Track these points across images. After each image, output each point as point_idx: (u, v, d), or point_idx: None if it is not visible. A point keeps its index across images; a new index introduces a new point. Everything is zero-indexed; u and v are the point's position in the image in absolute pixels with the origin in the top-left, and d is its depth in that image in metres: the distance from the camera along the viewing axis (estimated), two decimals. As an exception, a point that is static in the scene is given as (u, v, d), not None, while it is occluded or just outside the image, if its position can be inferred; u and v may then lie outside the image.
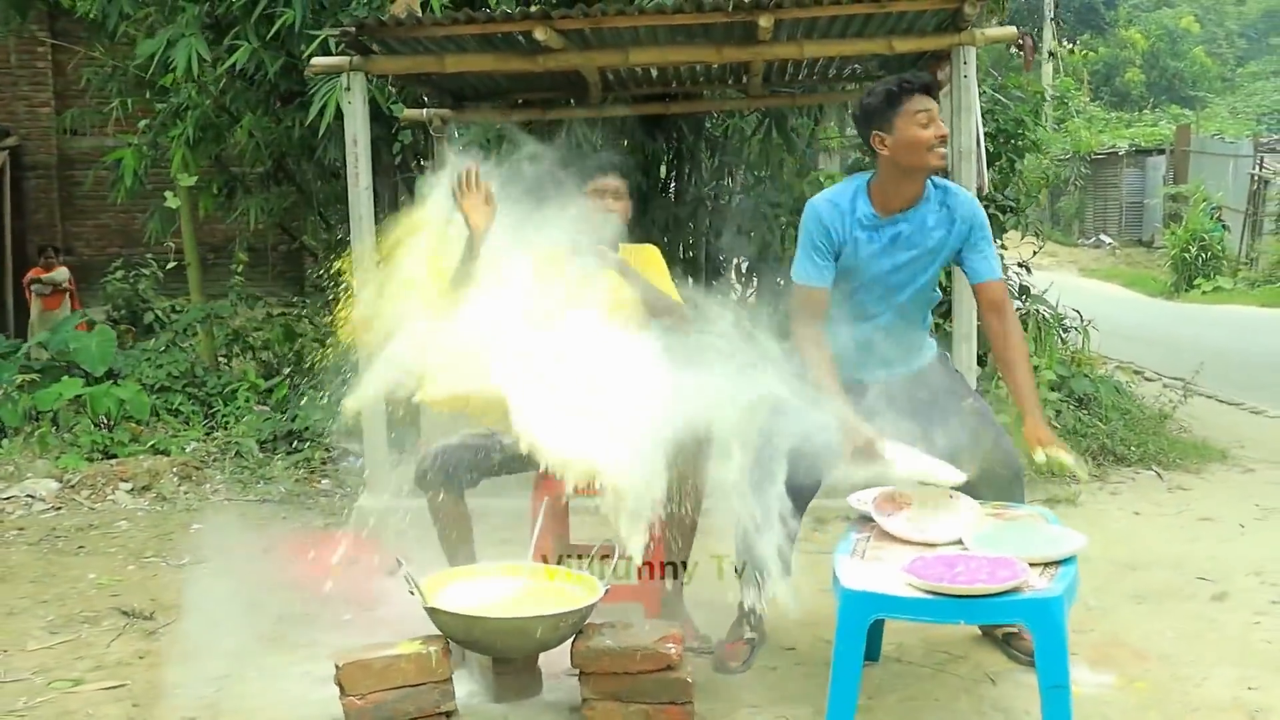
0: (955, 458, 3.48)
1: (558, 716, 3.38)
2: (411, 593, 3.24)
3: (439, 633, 3.26)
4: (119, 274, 11.17)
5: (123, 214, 12.77)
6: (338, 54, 5.56)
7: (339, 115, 6.47)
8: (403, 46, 5.44)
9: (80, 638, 4.16)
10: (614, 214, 4.10)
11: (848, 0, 4.97)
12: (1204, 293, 18.24)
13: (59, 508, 5.91)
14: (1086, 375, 7.15)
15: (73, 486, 6.15)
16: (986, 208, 7.69)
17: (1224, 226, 20.64)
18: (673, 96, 7.05)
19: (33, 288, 12.09)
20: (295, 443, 6.99)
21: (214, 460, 6.70)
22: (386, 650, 3.19)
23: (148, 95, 8.51)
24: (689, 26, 5.21)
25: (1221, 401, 8.55)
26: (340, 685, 3.16)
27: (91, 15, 8.12)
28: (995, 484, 3.55)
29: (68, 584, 4.74)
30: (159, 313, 9.93)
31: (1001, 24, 9.09)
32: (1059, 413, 6.67)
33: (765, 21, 5.01)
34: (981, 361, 6.17)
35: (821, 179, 7.51)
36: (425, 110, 6.72)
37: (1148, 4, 46.51)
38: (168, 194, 8.71)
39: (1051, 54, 32.29)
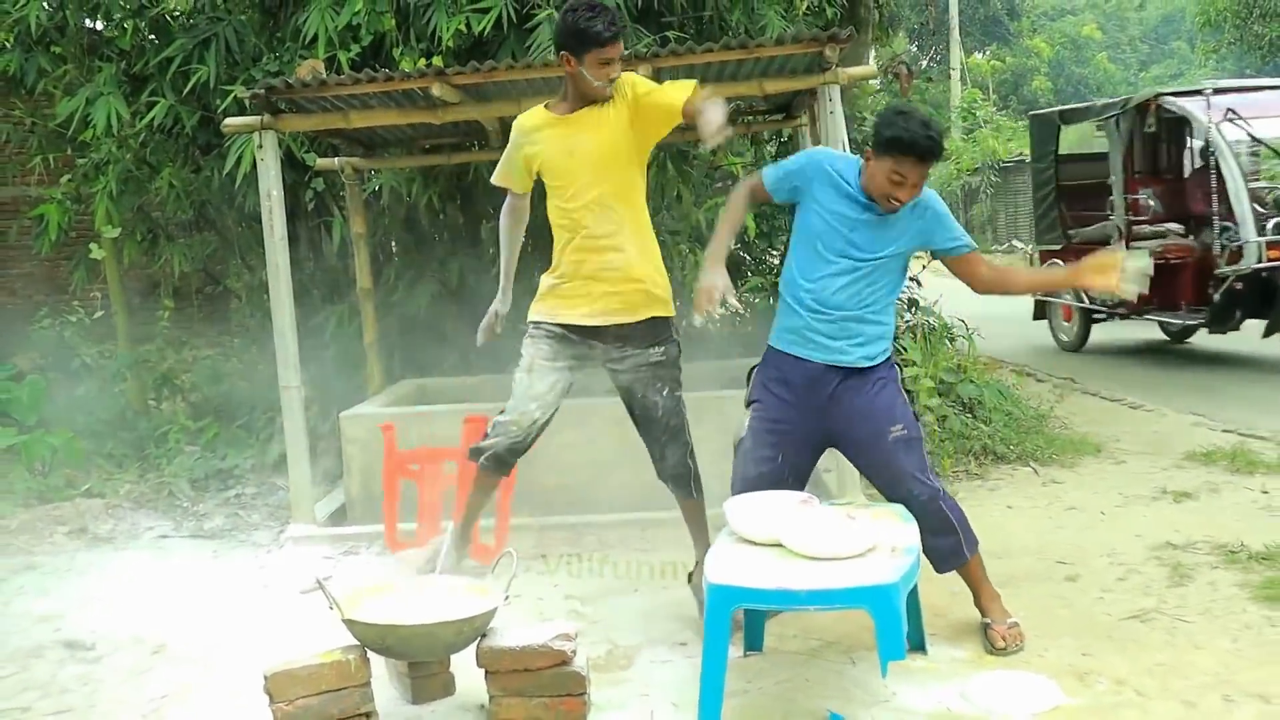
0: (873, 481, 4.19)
1: (468, 714, 3.77)
2: (330, 607, 3.60)
3: (357, 642, 3.63)
4: (45, 322, 11.32)
5: (48, 263, 12.91)
6: (250, 113, 5.92)
7: (255, 165, 6.84)
8: (311, 105, 5.82)
9: (26, 670, 4.46)
10: (614, 82, 4.18)
11: (719, 48, 5.42)
12: (1107, 293, 18.89)
13: (-2, 553, 6.18)
14: (972, 381, 7.63)
15: (10, 532, 6.41)
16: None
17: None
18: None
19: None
20: (227, 480, 7.30)
21: (148, 500, 6.98)
22: (310, 660, 3.55)
23: (69, 151, 8.76)
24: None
25: (1105, 399, 9.09)
26: (269, 694, 3.52)
27: (10, 71, 8.39)
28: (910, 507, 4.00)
29: (11, 623, 5.02)
30: (87, 359, 10.12)
31: (911, 31, 9.60)
32: (945, 418, 7.14)
33: (644, 70, 5.45)
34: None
35: (719, 204, 7.93)
36: (337, 159, 7.08)
37: (1052, 13, 47.78)
38: (92, 245, 8.95)
39: (956, 67, 33.21)
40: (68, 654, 4.59)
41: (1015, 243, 27.85)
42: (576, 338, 4.37)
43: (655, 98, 4.18)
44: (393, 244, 8.83)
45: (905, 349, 7.50)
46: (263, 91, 5.57)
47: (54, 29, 8.14)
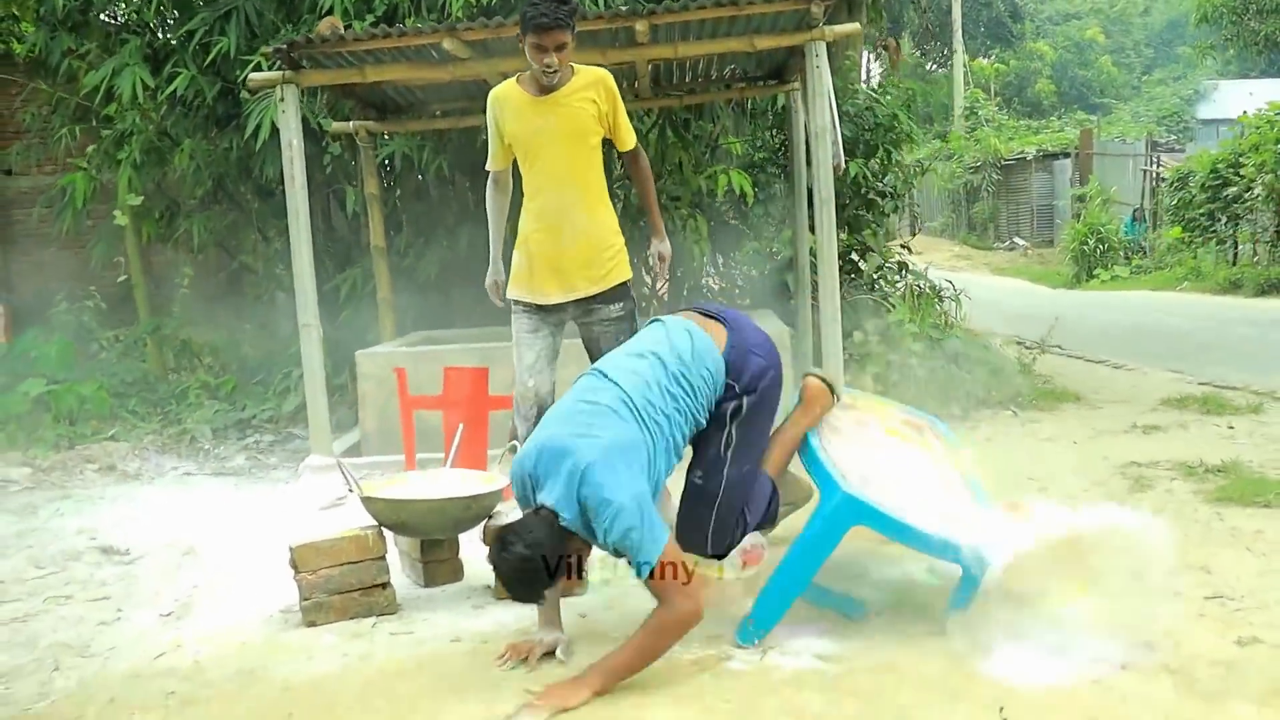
0: None
1: (475, 593, 4.13)
2: (350, 489, 3.95)
3: (374, 522, 3.98)
4: (63, 306, 11.64)
5: (65, 250, 13.25)
6: (270, 70, 6.27)
7: (274, 133, 7.20)
8: (328, 61, 6.18)
9: (66, 570, 4.82)
10: (555, 70, 4.39)
11: (710, 4, 5.78)
12: (1103, 281, 19.27)
13: (32, 488, 6.52)
14: (957, 336, 7.98)
15: (44, 470, 6.78)
16: (865, 194, 8.56)
17: (1134, 220, 21.72)
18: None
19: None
20: (245, 430, 7.66)
21: (171, 446, 7.35)
22: (332, 535, 3.91)
23: (94, 123, 9.11)
24: (579, 33, 5.97)
25: (1088, 361, 9.44)
26: (294, 565, 3.87)
27: (34, 53, 8.76)
28: None
29: (50, 535, 5.39)
30: (103, 342, 10.46)
31: (915, 33, 9.97)
32: (932, 370, 7.47)
33: (642, 26, 5.82)
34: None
35: (718, 172, 8.27)
36: (351, 123, 7.44)
37: (1056, 17, 48.15)
38: (116, 212, 9.30)
39: (960, 68, 33.57)
40: (104, 558, 4.97)
41: (1017, 240, 28.16)
42: (551, 308, 4.72)
43: (620, 130, 4.65)
44: (402, 215, 9.18)
45: (894, 306, 7.85)
46: (285, 46, 5.93)
47: (77, 11, 8.52)
